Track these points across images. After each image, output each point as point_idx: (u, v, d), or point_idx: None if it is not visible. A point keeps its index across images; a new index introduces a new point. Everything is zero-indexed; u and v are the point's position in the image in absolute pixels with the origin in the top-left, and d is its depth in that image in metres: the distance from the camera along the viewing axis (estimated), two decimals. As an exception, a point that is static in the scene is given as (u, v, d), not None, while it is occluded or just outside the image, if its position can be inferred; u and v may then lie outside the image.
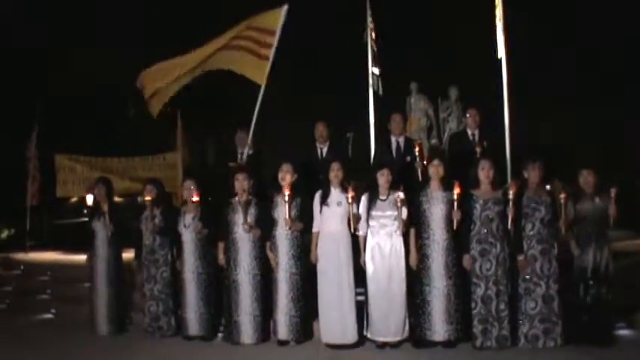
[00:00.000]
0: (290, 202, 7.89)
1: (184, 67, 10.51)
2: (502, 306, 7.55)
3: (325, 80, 16.92)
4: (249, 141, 10.21)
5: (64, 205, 19.03)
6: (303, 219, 8.14)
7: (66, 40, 18.76)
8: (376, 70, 10.54)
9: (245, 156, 10.19)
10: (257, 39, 10.34)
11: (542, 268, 7.61)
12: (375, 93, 10.66)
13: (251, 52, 10.37)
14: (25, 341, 8.98)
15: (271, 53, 10.14)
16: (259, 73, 10.25)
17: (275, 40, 10.13)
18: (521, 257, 7.62)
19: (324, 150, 9.61)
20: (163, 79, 10.60)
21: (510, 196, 7.47)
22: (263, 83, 10.17)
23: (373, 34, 10.81)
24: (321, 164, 8.74)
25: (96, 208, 9.27)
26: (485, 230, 7.58)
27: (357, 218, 7.80)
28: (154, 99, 10.74)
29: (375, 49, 10.75)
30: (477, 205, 7.61)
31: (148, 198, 8.74)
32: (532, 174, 7.73)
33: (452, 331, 7.66)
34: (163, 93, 10.71)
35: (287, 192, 7.85)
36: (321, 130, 9.64)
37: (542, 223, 7.65)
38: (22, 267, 12.65)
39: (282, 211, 8.02)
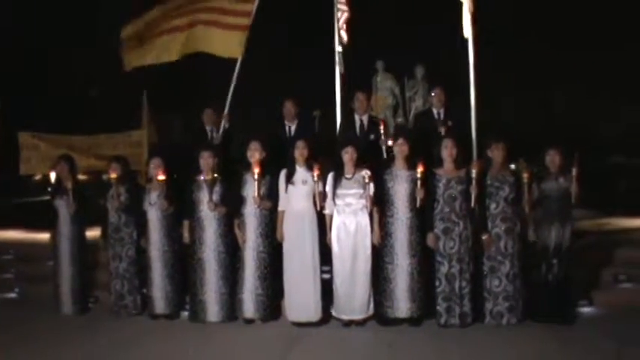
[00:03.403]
0: (259, 180, 7.87)
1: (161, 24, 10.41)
2: (464, 284, 7.66)
3: (292, 56, 16.85)
4: (224, 118, 10.14)
5: (28, 183, 18.81)
6: (272, 197, 8.14)
7: (32, 18, 18.49)
8: (339, 48, 10.46)
9: (221, 132, 10.12)
10: (234, 9, 10.11)
11: (507, 247, 7.73)
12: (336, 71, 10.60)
13: (222, 26, 10.14)
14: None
15: (249, 21, 10.01)
16: (237, 47, 10.07)
17: (254, 7, 10.00)
18: (485, 236, 7.72)
19: (293, 128, 9.55)
20: (143, 36, 10.51)
21: (473, 175, 7.54)
22: (239, 56, 10.07)
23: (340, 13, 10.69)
24: (289, 143, 8.68)
25: (59, 185, 9.18)
26: (448, 209, 7.65)
27: (322, 196, 7.81)
28: (132, 53, 10.61)
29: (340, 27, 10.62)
30: (440, 184, 7.67)
31: (113, 176, 8.67)
32: (495, 153, 7.82)
33: (415, 309, 7.74)
34: (141, 52, 10.60)
35: (256, 170, 7.84)
36: (289, 108, 9.56)
37: (506, 201, 7.74)
38: (-17, 246, 12.49)
39: (251, 189, 8.00)
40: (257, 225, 8.18)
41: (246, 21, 10.04)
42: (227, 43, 10.14)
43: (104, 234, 9.00)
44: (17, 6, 18.19)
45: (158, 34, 10.48)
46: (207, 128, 10.29)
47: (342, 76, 10.25)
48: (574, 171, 7.61)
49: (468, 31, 9.99)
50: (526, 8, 16.76)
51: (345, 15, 10.25)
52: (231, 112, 10.23)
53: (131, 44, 10.59)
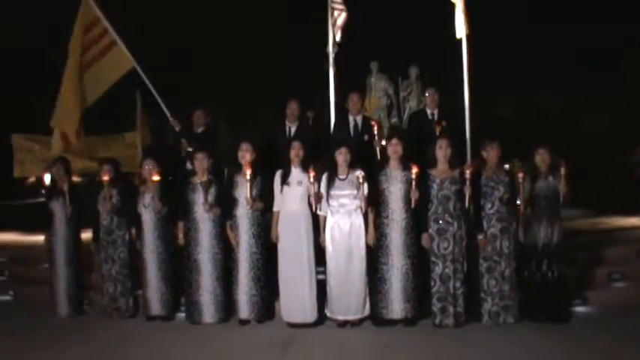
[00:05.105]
0: (251, 182, 7.87)
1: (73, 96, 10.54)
2: (458, 284, 7.67)
3: (287, 56, 16.86)
4: (172, 122, 10.25)
5: (22, 186, 18.78)
6: (264, 198, 8.12)
7: (29, 17, 18.42)
8: (331, 50, 10.44)
9: (179, 134, 10.26)
10: (94, 38, 10.42)
11: (502, 247, 7.73)
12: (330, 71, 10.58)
13: (99, 57, 10.44)
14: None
15: (113, 35, 10.27)
16: (122, 62, 10.32)
17: (104, 23, 10.30)
18: (481, 236, 7.72)
19: (293, 129, 9.53)
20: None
21: (467, 176, 7.55)
22: (131, 66, 10.25)
23: (337, 13, 10.65)
24: (289, 143, 8.62)
25: (54, 188, 9.15)
26: (442, 209, 7.65)
27: (318, 197, 7.81)
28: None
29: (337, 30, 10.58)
30: (434, 185, 7.68)
31: (105, 178, 8.65)
32: (490, 153, 7.81)
33: (409, 310, 7.75)
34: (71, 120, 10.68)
35: (248, 171, 7.83)
36: (293, 108, 9.52)
37: (501, 201, 7.75)
38: (-22, 248, 12.45)
39: (243, 191, 8.00)
40: (249, 226, 8.17)
41: (109, 38, 10.37)
42: (110, 67, 10.46)
43: (95, 237, 8.98)
44: (13, 7, 18.14)
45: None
46: (199, 130, 10.30)
47: (335, 76, 10.25)
48: (562, 170, 7.64)
49: (460, 31, 10.00)
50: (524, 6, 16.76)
51: (344, 15, 10.26)
52: (214, 112, 10.32)
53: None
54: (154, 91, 10.25)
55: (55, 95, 10.52)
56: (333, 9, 10.31)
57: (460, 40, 10.05)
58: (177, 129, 10.23)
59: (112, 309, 8.76)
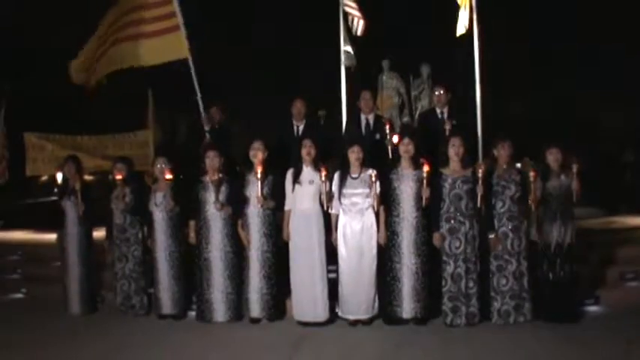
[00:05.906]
0: (262, 180, 7.87)
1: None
2: (471, 283, 7.64)
3: (297, 56, 16.85)
4: (203, 121, 10.21)
5: (34, 184, 18.83)
6: (275, 197, 8.13)
7: (40, 17, 18.47)
8: (349, 48, 10.44)
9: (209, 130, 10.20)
10: (154, 15, 10.31)
11: (513, 245, 7.70)
12: (348, 70, 10.57)
13: (157, 34, 10.30)
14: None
15: (179, 20, 10.15)
16: (178, 48, 10.20)
17: (175, 6, 10.16)
18: (492, 235, 7.69)
19: (301, 128, 9.53)
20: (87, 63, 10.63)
21: (479, 175, 7.52)
22: (186, 56, 10.16)
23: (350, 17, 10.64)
24: (297, 142, 8.62)
25: (66, 186, 9.19)
26: (454, 208, 7.63)
27: (330, 196, 7.81)
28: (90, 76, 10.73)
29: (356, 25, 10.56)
30: (446, 184, 7.65)
31: (118, 177, 8.67)
32: (501, 153, 7.79)
33: (419, 309, 7.74)
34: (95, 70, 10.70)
35: (259, 170, 7.83)
36: (299, 107, 9.52)
37: (512, 200, 7.72)
38: (-9, 246, 12.50)
39: (254, 189, 8.00)
40: (260, 225, 8.18)
41: (174, 21, 10.22)
42: (163, 48, 10.30)
43: (109, 235, 9.02)
44: (18, 4, 18.18)
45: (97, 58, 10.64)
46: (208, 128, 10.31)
47: (350, 73, 10.25)
48: (575, 168, 7.61)
49: (461, 28, 9.95)
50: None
51: (362, 22, 10.28)
52: (228, 110, 10.34)
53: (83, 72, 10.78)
54: (197, 88, 10.20)
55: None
56: (347, 13, 10.32)
57: (471, 39, 10.02)
58: (207, 128, 10.20)
59: (127, 307, 8.80)
